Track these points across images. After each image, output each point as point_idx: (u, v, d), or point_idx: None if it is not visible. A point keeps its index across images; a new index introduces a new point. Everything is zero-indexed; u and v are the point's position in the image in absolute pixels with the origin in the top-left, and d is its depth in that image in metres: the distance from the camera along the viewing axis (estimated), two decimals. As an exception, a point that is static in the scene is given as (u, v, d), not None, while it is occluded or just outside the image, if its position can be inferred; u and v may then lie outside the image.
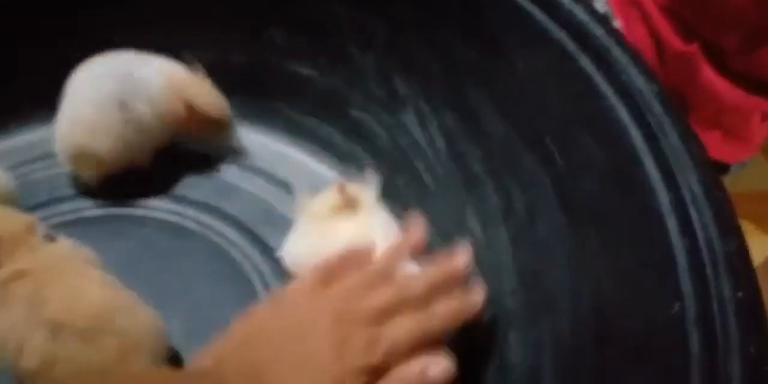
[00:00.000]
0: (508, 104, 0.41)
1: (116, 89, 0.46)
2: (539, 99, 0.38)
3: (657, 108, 0.30)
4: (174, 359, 0.39)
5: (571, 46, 0.37)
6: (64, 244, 0.38)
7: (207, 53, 0.52)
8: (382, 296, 0.34)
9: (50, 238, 0.38)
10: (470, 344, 0.39)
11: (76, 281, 0.36)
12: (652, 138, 0.29)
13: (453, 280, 0.35)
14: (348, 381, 0.31)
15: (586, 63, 0.35)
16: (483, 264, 0.40)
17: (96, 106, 0.45)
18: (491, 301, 0.39)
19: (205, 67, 0.52)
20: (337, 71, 0.51)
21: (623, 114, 0.31)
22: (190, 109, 0.47)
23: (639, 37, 0.55)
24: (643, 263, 0.27)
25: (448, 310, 0.34)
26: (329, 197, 0.43)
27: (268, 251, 0.45)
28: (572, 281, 0.33)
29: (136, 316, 0.36)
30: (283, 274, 0.44)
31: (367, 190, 0.44)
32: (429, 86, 0.46)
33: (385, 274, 0.36)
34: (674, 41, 0.53)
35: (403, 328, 0.33)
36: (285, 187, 0.50)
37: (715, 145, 0.54)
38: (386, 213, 0.44)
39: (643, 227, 0.27)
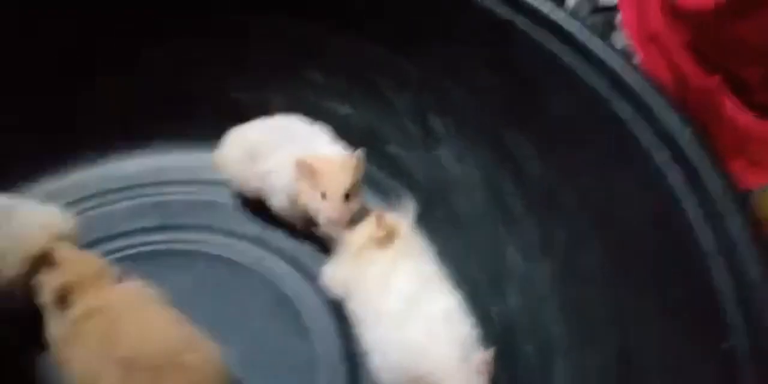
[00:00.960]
0: (543, 144, 0.43)
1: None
2: (574, 141, 0.40)
3: (695, 150, 0.32)
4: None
5: (605, 90, 0.39)
6: (133, 282, 0.41)
7: (249, 93, 0.56)
8: None
9: (121, 279, 0.41)
10: (513, 373, 0.41)
11: (146, 318, 0.39)
12: (692, 180, 0.31)
13: None
14: None
15: (621, 107, 0.38)
16: (525, 295, 0.42)
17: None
18: (534, 330, 0.41)
19: (247, 107, 0.56)
20: (373, 109, 0.53)
21: (661, 156, 0.33)
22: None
23: (660, 71, 0.57)
24: (688, 300, 0.29)
25: None
26: (367, 228, 0.45)
27: (315, 283, 0.48)
28: (616, 314, 0.35)
29: (202, 351, 0.39)
30: (329, 304, 0.47)
31: (403, 221, 0.46)
32: (464, 125, 0.48)
33: None
34: (696, 75, 0.55)
35: None
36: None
37: (740, 173, 0.56)
38: (421, 243, 0.46)
39: (686, 267, 0.30)
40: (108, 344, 0.37)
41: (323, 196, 0.44)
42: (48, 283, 0.40)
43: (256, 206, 0.51)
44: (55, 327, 0.39)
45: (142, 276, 0.43)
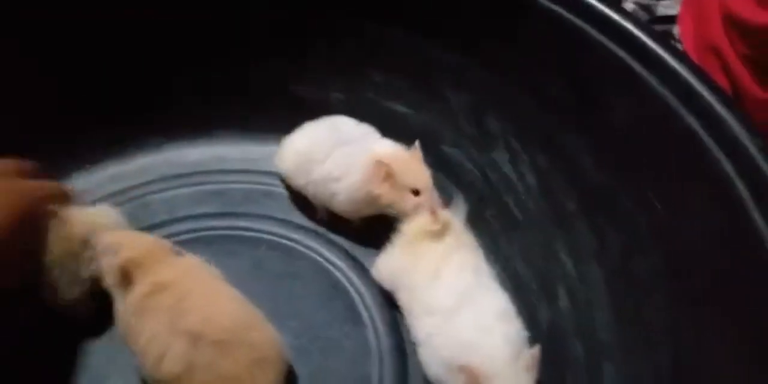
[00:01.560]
0: (603, 149, 0.44)
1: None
2: (637, 148, 0.41)
3: (764, 163, 0.32)
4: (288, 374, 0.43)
5: (673, 101, 0.39)
6: (194, 259, 0.42)
7: (309, 89, 0.57)
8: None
9: (179, 253, 0.42)
10: (560, 375, 0.42)
11: (210, 294, 0.40)
12: (760, 192, 0.31)
13: None
14: None
15: (689, 117, 0.38)
16: (575, 298, 0.43)
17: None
18: (583, 335, 0.42)
19: (303, 102, 0.57)
20: (431, 109, 0.54)
21: (729, 168, 0.34)
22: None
23: (717, 82, 0.57)
24: (752, 313, 0.30)
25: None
26: (420, 222, 0.46)
27: (368, 274, 0.49)
28: (671, 323, 0.35)
29: (263, 330, 0.40)
30: (382, 295, 0.48)
31: (455, 217, 0.47)
32: (521, 127, 0.49)
33: None
34: (754, 88, 0.55)
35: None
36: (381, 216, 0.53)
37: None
38: (471, 238, 0.47)
39: (752, 279, 0.30)
40: (176, 317, 0.38)
41: (415, 193, 0.46)
42: (108, 265, 0.41)
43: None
44: (122, 304, 0.41)
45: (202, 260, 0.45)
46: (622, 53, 0.42)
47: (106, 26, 0.51)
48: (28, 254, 0.42)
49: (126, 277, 0.41)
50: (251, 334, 0.39)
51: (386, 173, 0.46)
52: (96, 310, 0.44)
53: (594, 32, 0.43)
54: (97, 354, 0.45)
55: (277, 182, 0.55)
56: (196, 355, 0.38)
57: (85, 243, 0.43)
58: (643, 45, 0.42)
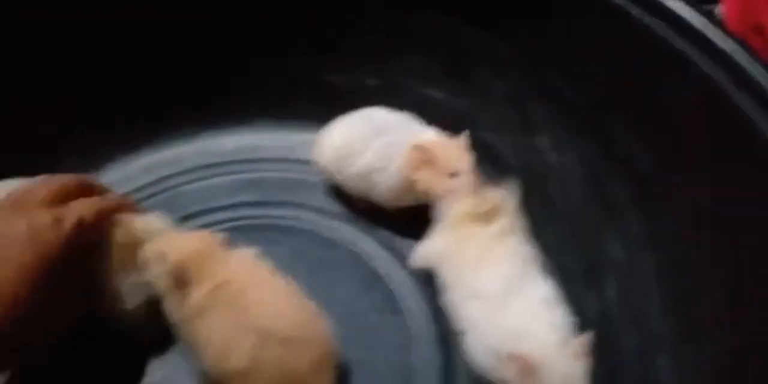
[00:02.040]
0: (652, 134, 0.42)
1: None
2: (687, 133, 0.40)
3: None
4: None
5: (723, 82, 0.38)
6: (245, 252, 0.42)
7: (344, 77, 0.57)
8: (47, 188, 0.39)
9: (228, 247, 0.42)
10: (611, 364, 0.41)
11: (270, 289, 0.39)
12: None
13: None
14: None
15: (741, 100, 0.37)
16: (626, 287, 0.42)
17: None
18: (634, 324, 0.41)
19: (337, 89, 0.57)
20: (468, 95, 0.53)
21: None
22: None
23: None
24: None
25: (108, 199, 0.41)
26: (468, 205, 0.45)
27: (406, 263, 0.48)
28: (727, 313, 0.34)
29: (321, 325, 0.40)
30: (421, 284, 0.47)
31: (505, 201, 0.46)
32: (565, 113, 0.48)
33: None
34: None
35: (83, 202, 0.38)
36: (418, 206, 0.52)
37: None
38: (519, 223, 0.45)
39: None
40: (239, 314, 0.38)
41: (453, 175, 0.45)
42: (159, 271, 0.40)
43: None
44: (180, 307, 0.40)
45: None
46: (669, 34, 0.41)
47: (141, 15, 0.51)
48: (75, 291, 0.39)
49: (181, 281, 0.40)
50: (313, 330, 0.39)
51: (425, 158, 0.45)
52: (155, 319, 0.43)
53: (639, 13, 0.42)
54: (156, 361, 0.44)
55: (314, 171, 0.54)
56: (263, 352, 0.37)
57: (138, 252, 0.42)
58: (691, 25, 0.41)
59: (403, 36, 0.54)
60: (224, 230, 0.49)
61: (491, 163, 0.53)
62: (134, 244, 0.42)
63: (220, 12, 0.53)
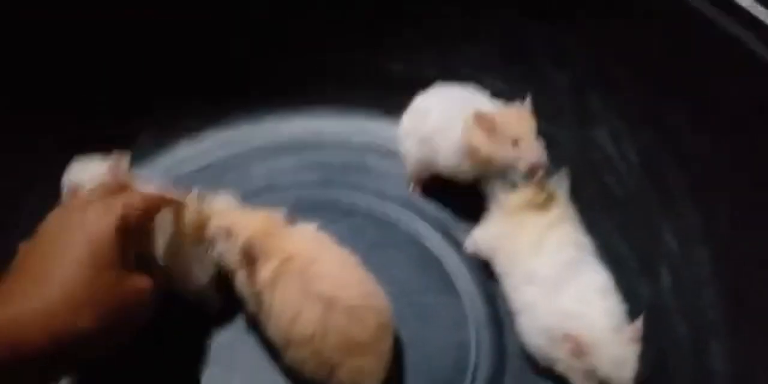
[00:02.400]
0: (714, 127, 0.43)
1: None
2: (749, 122, 0.40)
3: None
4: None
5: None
6: (308, 227, 0.44)
7: (400, 65, 0.58)
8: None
9: (292, 221, 0.44)
10: (663, 351, 0.41)
11: (335, 261, 0.41)
12: None
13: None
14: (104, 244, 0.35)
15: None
16: (681, 277, 0.43)
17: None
18: (688, 313, 0.42)
19: (397, 78, 0.58)
20: (529, 86, 0.54)
21: None
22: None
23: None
24: None
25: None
26: (524, 193, 0.46)
27: (461, 247, 0.50)
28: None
29: (382, 296, 0.41)
30: (475, 266, 0.49)
31: (559, 189, 0.47)
32: (626, 103, 0.48)
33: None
34: None
35: (131, 195, 0.40)
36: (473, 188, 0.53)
37: None
38: (574, 212, 0.47)
39: None
40: (307, 284, 0.39)
41: (515, 143, 0.44)
42: (228, 248, 0.43)
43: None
44: (250, 281, 0.42)
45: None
46: (734, 28, 0.41)
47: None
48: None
49: (249, 257, 0.41)
50: (374, 300, 0.40)
51: (487, 125, 0.45)
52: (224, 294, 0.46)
53: (705, 6, 0.42)
54: (221, 328, 0.47)
55: (372, 156, 0.56)
56: (329, 320, 0.39)
57: (207, 230, 0.44)
58: (754, 18, 0.40)
59: (464, 26, 0.55)
60: (287, 208, 0.53)
61: (550, 154, 0.54)
62: (202, 222, 0.44)
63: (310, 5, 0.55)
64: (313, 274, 0.40)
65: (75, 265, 0.35)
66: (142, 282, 0.37)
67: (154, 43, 0.54)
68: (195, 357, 0.46)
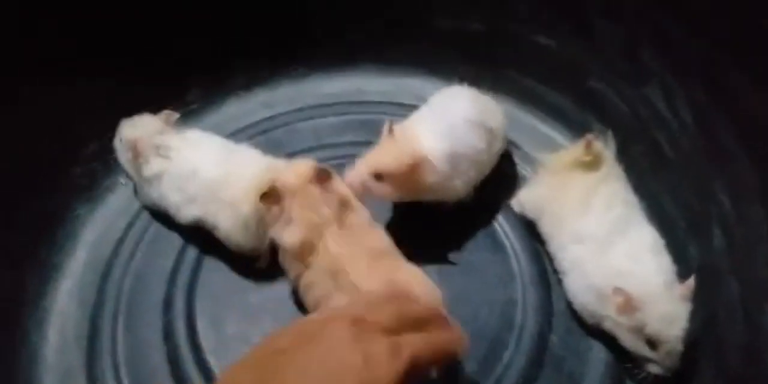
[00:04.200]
0: (766, 79, 0.41)
1: None
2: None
3: None
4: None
5: None
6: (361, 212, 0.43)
7: (446, 21, 0.57)
8: (392, 312, 0.33)
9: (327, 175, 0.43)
10: (713, 310, 0.41)
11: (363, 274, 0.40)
12: None
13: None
14: None
15: None
16: (734, 237, 0.42)
17: None
18: (741, 273, 0.41)
19: (442, 34, 0.57)
20: (578, 41, 0.53)
21: None
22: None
23: None
24: None
25: (444, 336, 0.34)
26: (571, 153, 0.46)
27: (508, 205, 0.50)
28: None
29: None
30: (523, 224, 0.48)
31: (607, 149, 0.46)
32: (681, 60, 0.47)
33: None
34: None
35: (420, 337, 0.33)
36: (513, 145, 0.53)
37: None
38: (621, 172, 0.46)
39: None
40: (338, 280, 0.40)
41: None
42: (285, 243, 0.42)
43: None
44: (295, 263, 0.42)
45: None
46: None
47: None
48: None
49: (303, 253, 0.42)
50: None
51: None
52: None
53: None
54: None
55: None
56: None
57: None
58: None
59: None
60: (332, 166, 0.53)
61: (598, 112, 0.53)
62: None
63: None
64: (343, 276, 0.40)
65: None
66: None
67: (209, 6, 0.54)
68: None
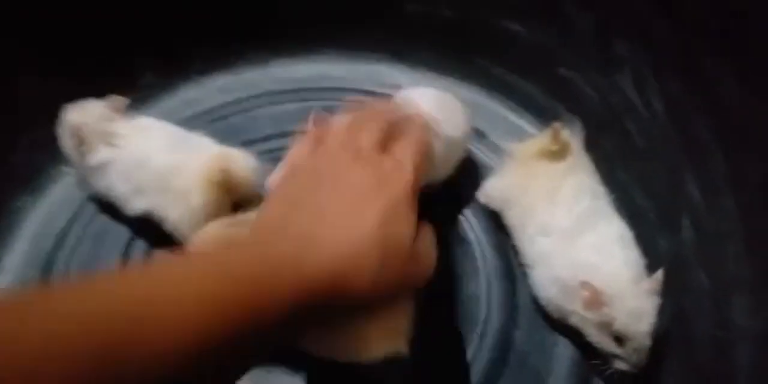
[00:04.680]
0: (748, 74, 0.40)
1: None
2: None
3: None
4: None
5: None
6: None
7: (416, 6, 0.55)
8: (374, 129, 0.35)
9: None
10: (681, 303, 0.40)
11: None
12: None
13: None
14: (399, 207, 0.32)
15: None
16: (704, 229, 0.41)
17: None
18: (711, 265, 0.40)
19: (412, 20, 0.55)
20: (549, 29, 0.51)
21: None
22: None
23: None
24: None
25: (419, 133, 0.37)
26: (538, 142, 0.45)
27: (467, 197, 0.48)
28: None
29: None
30: (486, 218, 0.47)
31: (573, 139, 0.44)
32: (653, 49, 0.46)
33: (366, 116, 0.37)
34: None
35: (406, 144, 0.35)
36: (480, 135, 0.51)
37: None
38: (589, 162, 0.45)
39: None
40: None
41: None
42: None
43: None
44: None
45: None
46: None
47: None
48: None
49: None
50: None
51: None
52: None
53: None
54: None
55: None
56: None
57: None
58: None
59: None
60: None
61: (567, 100, 0.52)
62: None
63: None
64: None
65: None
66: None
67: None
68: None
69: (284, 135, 0.52)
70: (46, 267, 0.46)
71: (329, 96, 0.54)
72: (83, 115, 0.45)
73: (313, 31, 0.56)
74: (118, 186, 0.44)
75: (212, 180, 0.41)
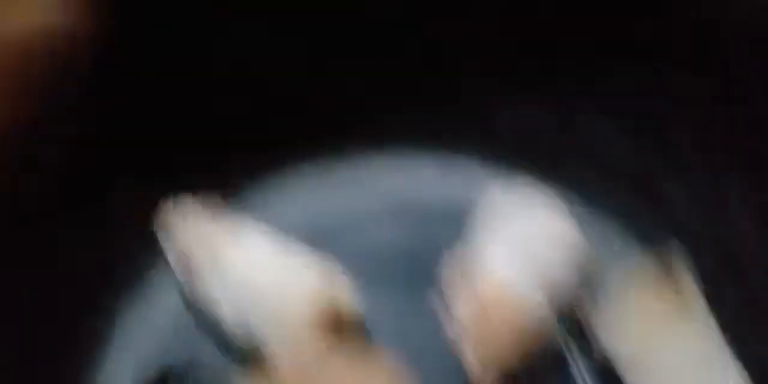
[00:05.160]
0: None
1: None
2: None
3: None
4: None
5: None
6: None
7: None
8: None
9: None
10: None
11: None
12: None
13: None
14: None
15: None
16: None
17: None
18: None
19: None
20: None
21: None
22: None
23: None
24: None
25: None
26: (646, 296, 0.36)
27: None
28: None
29: None
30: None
31: (680, 270, 0.36)
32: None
33: None
34: None
35: None
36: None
37: None
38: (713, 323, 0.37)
39: None
40: None
41: None
42: None
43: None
44: None
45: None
46: None
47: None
48: None
49: None
50: None
51: None
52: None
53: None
54: None
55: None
56: None
57: None
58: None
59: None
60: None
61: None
62: None
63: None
64: None
65: None
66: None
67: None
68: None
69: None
70: None
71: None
72: (189, 233, 0.44)
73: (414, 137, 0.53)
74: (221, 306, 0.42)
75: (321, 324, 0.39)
